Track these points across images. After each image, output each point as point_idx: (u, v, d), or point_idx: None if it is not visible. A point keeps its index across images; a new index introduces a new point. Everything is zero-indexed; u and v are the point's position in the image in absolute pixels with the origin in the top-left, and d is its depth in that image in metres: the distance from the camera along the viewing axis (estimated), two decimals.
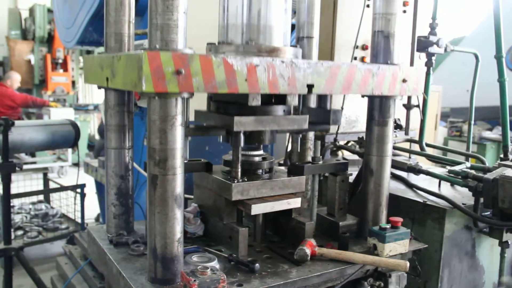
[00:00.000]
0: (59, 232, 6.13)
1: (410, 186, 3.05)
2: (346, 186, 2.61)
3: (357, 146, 3.36)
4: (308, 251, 2.22)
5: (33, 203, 6.90)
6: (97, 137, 11.22)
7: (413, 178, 3.21)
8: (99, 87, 2.36)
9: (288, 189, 2.38)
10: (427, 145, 3.40)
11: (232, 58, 1.85)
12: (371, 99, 2.52)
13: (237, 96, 2.04)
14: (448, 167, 3.13)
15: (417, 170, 2.96)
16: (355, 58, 3.36)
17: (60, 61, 11.04)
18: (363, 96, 2.45)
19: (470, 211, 2.67)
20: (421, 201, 2.78)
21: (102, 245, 2.32)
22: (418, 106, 3.02)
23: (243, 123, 2.13)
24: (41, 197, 7.04)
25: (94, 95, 12.49)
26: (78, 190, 5.97)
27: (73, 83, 11.53)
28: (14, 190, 6.48)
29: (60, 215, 6.55)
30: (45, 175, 7.11)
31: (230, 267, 2.13)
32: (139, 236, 2.38)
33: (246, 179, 2.25)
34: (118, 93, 2.35)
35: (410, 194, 2.94)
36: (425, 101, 3.21)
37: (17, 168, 3.95)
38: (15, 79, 10.01)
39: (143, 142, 4.28)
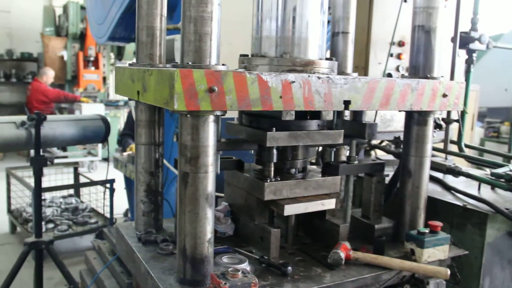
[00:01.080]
0: (88, 227, 6.19)
1: (448, 188, 2.92)
2: (382, 187, 2.50)
3: (393, 146, 3.24)
4: (342, 254, 2.13)
5: (64, 197, 6.99)
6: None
7: (449, 180, 3.07)
8: (129, 99, 2.33)
9: (322, 190, 2.29)
10: (466, 146, 3.25)
11: (266, 75, 1.79)
12: None
13: (270, 111, 1.98)
14: (489, 170, 2.99)
15: (456, 172, 2.83)
16: (391, 55, 3.24)
17: (92, 58, 11.18)
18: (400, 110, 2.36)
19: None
20: (461, 204, 2.65)
21: (131, 243, 2.28)
22: (458, 121, 2.88)
23: (276, 139, 2.06)
24: (71, 191, 7.12)
25: None
26: (108, 185, 6.02)
27: (104, 79, 11.65)
28: (45, 183, 6.60)
29: (89, 209, 6.62)
30: (75, 169, 7.18)
31: (261, 269, 2.06)
32: (168, 234, 2.33)
33: (279, 179, 2.18)
34: None
35: (448, 197, 2.81)
36: (463, 113, 3.08)
37: (48, 163, 3.98)
38: (49, 75, 10.21)
39: (173, 138, 4.26)
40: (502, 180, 2.64)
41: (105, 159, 11.22)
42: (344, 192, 2.50)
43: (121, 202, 6.68)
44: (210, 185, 1.81)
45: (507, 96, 3.26)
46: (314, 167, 2.77)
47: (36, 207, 4.10)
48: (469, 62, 3.08)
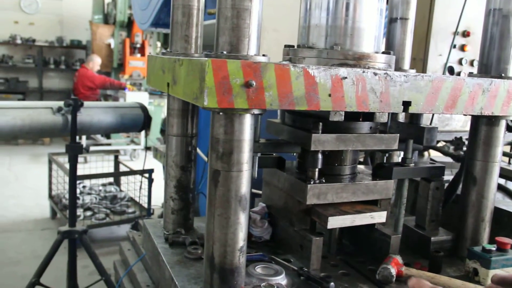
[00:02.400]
0: (126, 216, 6.13)
1: None
2: (441, 194, 2.19)
3: (451, 148, 2.90)
4: (393, 271, 1.85)
5: (104, 185, 6.98)
6: None
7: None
8: (162, 92, 2.13)
9: (372, 195, 2.01)
10: None
11: (314, 69, 1.52)
12: None
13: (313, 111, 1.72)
14: None
15: None
16: (454, 46, 2.91)
17: (138, 45, 11.19)
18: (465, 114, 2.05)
19: None
20: None
21: (157, 243, 2.09)
22: None
23: (322, 142, 1.79)
24: (111, 179, 7.10)
25: None
26: (146, 174, 5.92)
27: None
28: (86, 170, 6.60)
29: (128, 198, 6.56)
30: (116, 157, 7.14)
31: (299, 283, 1.81)
32: (198, 236, 2.12)
33: (323, 180, 1.92)
34: None
35: None
36: None
37: (84, 150, 3.87)
38: (96, 62, 10.28)
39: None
40: None
41: (148, 148, 11.29)
42: (396, 198, 2.22)
43: (160, 193, 6.58)
44: (244, 185, 1.57)
45: None
46: (362, 167, 2.49)
47: (71, 195, 4.00)
48: None
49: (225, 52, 1.49)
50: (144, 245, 2.32)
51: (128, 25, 11.25)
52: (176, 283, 1.73)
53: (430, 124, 2.77)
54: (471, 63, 3.02)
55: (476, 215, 2.10)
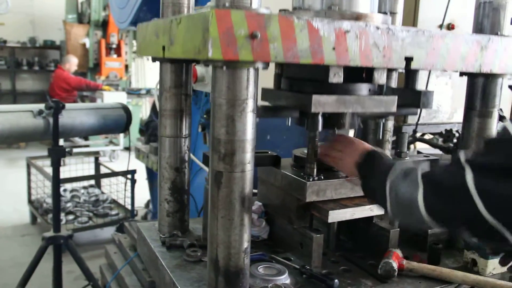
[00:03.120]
0: (109, 218, 6.02)
1: None
2: None
3: (440, 140, 2.93)
4: (395, 265, 1.85)
5: (85, 188, 6.85)
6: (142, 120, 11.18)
7: None
8: (154, 60, 2.07)
9: None
10: None
11: (318, 21, 1.48)
12: (472, 83, 2.10)
13: (313, 72, 1.71)
14: None
15: None
16: None
17: (114, 46, 10.99)
18: (464, 75, 2.05)
19: None
20: None
21: (154, 247, 2.05)
22: None
23: (322, 104, 1.73)
24: (92, 181, 6.97)
25: (147, 79, 12.42)
26: (129, 176, 5.83)
27: (126, 67, 11.48)
28: (66, 173, 6.45)
29: (110, 200, 6.45)
30: (96, 159, 7.02)
31: (302, 281, 1.79)
32: (195, 238, 2.08)
33: (322, 177, 1.90)
34: (174, 74, 2.05)
35: None
36: None
37: (67, 153, 3.78)
38: (73, 63, 10.08)
39: (198, 129, 4.01)
40: None
41: (127, 149, 11.11)
42: None
43: (143, 194, 6.50)
44: (247, 186, 1.55)
45: None
46: None
47: (55, 200, 3.90)
48: None
49: (227, 4, 1.45)
50: (139, 249, 2.27)
51: (103, 24, 11.03)
52: (179, 287, 1.70)
53: (418, 120, 2.78)
54: None
55: None
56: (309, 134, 1.91)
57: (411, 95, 2.07)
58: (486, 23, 2.02)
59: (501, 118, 2.18)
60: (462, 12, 2.87)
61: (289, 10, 1.88)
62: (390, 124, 2.52)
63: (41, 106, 3.61)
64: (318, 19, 1.50)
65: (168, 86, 2.05)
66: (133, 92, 10.64)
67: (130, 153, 5.30)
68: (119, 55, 11.13)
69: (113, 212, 6.12)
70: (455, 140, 2.62)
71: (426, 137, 3.31)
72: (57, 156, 3.75)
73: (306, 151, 2.10)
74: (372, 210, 1.95)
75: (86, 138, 9.96)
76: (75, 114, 3.92)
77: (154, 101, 6.65)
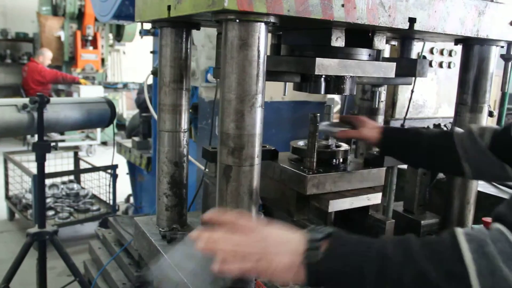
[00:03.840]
0: (91, 214, 5.98)
1: None
2: (428, 179, 2.28)
3: None
4: None
5: (64, 183, 6.75)
6: (125, 115, 11.05)
7: None
8: (154, 24, 2.04)
9: (367, 183, 2.06)
10: None
11: None
12: (463, 79, 2.17)
13: (315, 37, 1.79)
14: None
15: None
16: None
17: (90, 38, 10.83)
18: (459, 43, 2.13)
19: None
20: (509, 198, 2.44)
21: (154, 241, 2.06)
22: None
23: (325, 67, 1.76)
24: (71, 176, 6.87)
25: (123, 73, 12.29)
26: (110, 170, 5.78)
27: (102, 60, 11.32)
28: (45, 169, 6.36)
29: (91, 195, 6.39)
30: (75, 154, 6.93)
31: None
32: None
33: (321, 170, 1.95)
34: (174, 69, 2.05)
35: (491, 190, 2.60)
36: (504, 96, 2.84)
37: (52, 148, 3.73)
38: (47, 56, 9.88)
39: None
40: None
41: (104, 143, 11.00)
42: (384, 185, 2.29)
43: (124, 188, 6.46)
44: (255, 179, 1.58)
45: None
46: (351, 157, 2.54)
47: (40, 196, 3.86)
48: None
49: None
50: (137, 244, 2.27)
51: (79, 16, 10.84)
52: (185, 280, 1.72)
53: (406, 114, 2.85)
54: (441, 52, 3.14)
55: (461, 198, 2.20)
56: (309, 129, 1.95)
57: (406, 64, 2.13)
58: None
59: (490, 113, 2.26)
60: None
61: None
62: (380, 119, 2.60)
63: (26, 100, 3.55)
64: None
65: (168, 81, 2.05)
66: (109, 86, 10.52)
67: (114, 148, 5.27)
68: (95, 47, 10.97)
69: (94, 207, 6.07)
70: None
71: None
72: (42, 150, 3.71)
73: (301, 143, 2.14)
74: (369, 200, 2.02)
75: (62, 133, 9.80)
76: (59, 108, 3.88)
77: (140, 98, 6.56)
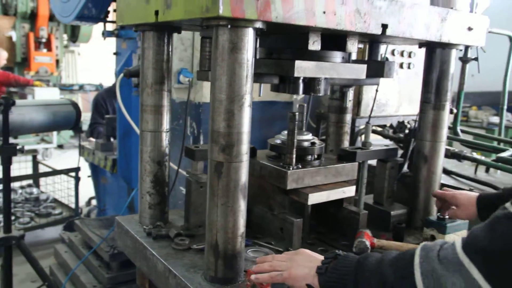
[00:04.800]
0: (53, 218, 5.86)
1: (448, 173, 2.92)
2: (396, 173, 2.45)
3: (390, 131, 3.20)
4: (368, 243, 2.05)
5: (22, 187, 6.59)
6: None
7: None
8: (137, 28, 2.09)
9: (341, 177, 2.20)
10: (461, 130, 3.27)
11: None
12: (427, 79, 2.35)
13: (292, 41, 1.89)
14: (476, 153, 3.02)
15: (461, 157, 2.82)
16: None
17: (44, 40, 10.52)
18: (422, 46, 2.28)
19: None
20: (467, 189, 2.64)
21: (140, 238, 2.11)
22: (476, 59, 2.84)
23: (303, 69, 1.88)
24: (29, 180, 6.71)
25: (78, 75, 12.03)
26: (72, 173, 5.70)
27: (57, 62, 11.04)
28: None
29: (51, 199, 6.26)
30: (34, 157, 6.78)
31: None
32: (179, 228, 2.17)
33: (300, 166, 2.07)
34: (156, 71, 2.11)
35: (451, 181, 2.80)
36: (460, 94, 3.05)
37: (19, 151, 3.67)
38: (2, 56, 9.52)
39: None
40: (509, 164, 2.65)
41: (60, 146, 10.73)
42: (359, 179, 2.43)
43: (86, 191, 6.37)
44: (244, 175, 1.67)
45: (473, 82, 3.33)
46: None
47: (5, 200, 3.79)
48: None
49: None
50: (120, 242, 2.31)
51: (31, 17, 10.53)
52: (176, 273, 1.79)
53: (371, 112, 3.02)
54: (402, 54, 3.33)
55: (427, 189, 2.38)
56: (288, 127, 2.06)
57: (374, 66, 2.28)
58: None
59: (451, 110, 2.45)
60: None
61: None
62: (348, 117, 2.74)
63: None
64: None
65: (150, 82, 2.11)
66: (65, 88, 10.29)
67: (80, 150, 5.22)
68: (49, 49, 10.69)
69: (56, 211, 5.96)
70: (406, 131, 2.88)
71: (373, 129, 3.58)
72: (7, 154, 3.65)
73: (278, 141, 2.24)
74: (344, 192, 2.15)
75: (15, 137, 9.50)
76: (24, 111, 3.84)
77: (96, 100, 6.48)
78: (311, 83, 2.08)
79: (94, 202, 6.20)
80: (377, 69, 2.28)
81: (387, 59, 3.15)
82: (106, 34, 4.91)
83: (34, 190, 6.47)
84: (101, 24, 5.02)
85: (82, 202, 6.48)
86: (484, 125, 6.31)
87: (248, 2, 1.49)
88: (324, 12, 1.68)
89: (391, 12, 1.90)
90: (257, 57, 2.11)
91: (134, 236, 2.15)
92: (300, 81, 2.00)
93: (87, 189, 6.07)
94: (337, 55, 2.07)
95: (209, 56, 1.79)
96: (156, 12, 1.83)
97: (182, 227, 2.20)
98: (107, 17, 4.89)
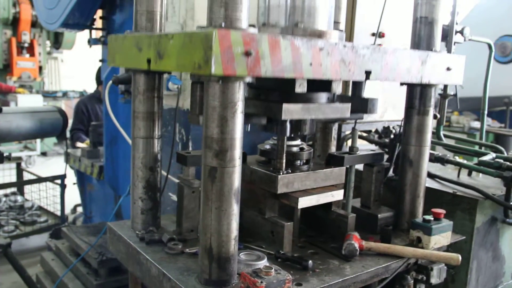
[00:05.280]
0: (38, 226, 5.82)
1: (432, 176, 2.99)
2: (382, 177, 2.51)
3: (376, 136, 3.27)
4: (356, 245, 2.11)
5: (6, 195, 6.52)
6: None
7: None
8: (128, 70, 2.16)
9: (329, 181, 2.26)
10: (444, 135, 3.35)
11: (298, 40, 1.70)
12: (411, 87, 2.43)
13: (279, 83, 1.90)
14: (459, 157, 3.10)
15: (445, 161, 2.90)
16: None
17: (26, 45, 10.45)
18: (403, 84, 2.36)
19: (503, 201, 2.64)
20: (451, 191, 2.73)
21: (133, 244, 2.14)
22: (455, 95, 2.95)
23: (290, 111, 1.97)
24: (13, 188, 6.64)
25: (62, 81, 11.95)
26: (58, 181, 5.67)
27: (40, 68, 10.95)
28: None
29: (36, 207, 6.22)
30: (18, 165, 6.72)
31: (279, 264, 1.98)
32: (171, 233, 2.20)
33: (290, 171, 2.12)
34: (148, 78, 2.15)
35: (435, 185, 2.88)
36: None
37: (5, 159, 3.67)
38: None
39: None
40: (491, 167, 2.73)
41: (44, 154, 10.64)
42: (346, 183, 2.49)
43: (68, 198, 6.33)
44: (237, 179, 1.72)
45: (453, 86, 3.45)
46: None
47: None
48: None
49: (223, 24, 1.60)
50: (112, 248, 2.33)
51: (13, 22, 10.44)
52: (170, 276, 1.82)
53: (356, 120, 3.07)
54: None
55: (413, 192, 2.45)
56: (278, 134, 2.11)
57: (358, 102, 2.36)
58: (422, 34, 2.35)
59: (435, 116, 2.53)
60: (390, 22, 3.23)
61: (254, 26, 2.08)
62: (336, 125, 2.80)
63: None
64: (299, 38, 1.71)
65: (142, 89, 2.15)
66: (49, 95, 10.22)
67: (67, 158, 5.19)
68: (32, 54, 10.60)
69: (42, 219, 5.91)
70: (391, 136, 2.95)
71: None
72: None
73: (268, 147, 2.29)
74: (333, 196, 2.21)
75: None
76: (11, 118, 3.83)
77: (78, 107, 6.46)
78: (297, 125, 2.16)
79: (79, 209, 6.17)
80: (361, 106, 2.36)
81: None
82: (92, 41, 4.91)
83: (19, 198, 6.41)
84: (85, 31, 5.04)
85: (67, 209, 6.44)
86: (465, 130, 6.45)
87: (239, 60, 1.56)
88: (311, 64, 1.76)
89: (374, 59, 1.98)
90: (245, 95, 2.18)
91: (127, 241, 2.17)
92: (287, 123, 2.06)
93: (72, 196, 6.05)
94: (323, 96, 2.16)
95: (200, 100, 1.86)
96: (149, 60, 1.89)
97: (174, 232, 2.24)
98: (93, 24, 4.91)
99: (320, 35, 2.04)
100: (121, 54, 2.15)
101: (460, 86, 2.62)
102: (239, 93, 1.65)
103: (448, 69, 2.31)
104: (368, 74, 1.96)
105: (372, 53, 1.96)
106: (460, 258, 2.12)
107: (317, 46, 1.75)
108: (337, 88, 2.16)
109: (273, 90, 2.10)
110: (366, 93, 2.41)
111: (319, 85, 2.13)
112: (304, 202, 2.10)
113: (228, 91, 1.63)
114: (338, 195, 2.23)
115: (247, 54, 1.56)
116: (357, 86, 2.39)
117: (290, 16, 2.05)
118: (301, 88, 1.93)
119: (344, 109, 2.21)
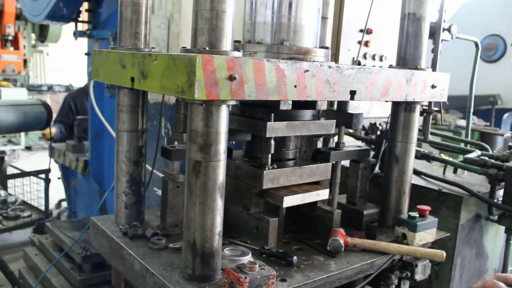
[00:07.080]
0: (21, 220, 5.73)
1: (418, 173, 3.00)
2: (368, 173, 2.51)
3: (362, 133, 3.27)
4: (341, 241, 2.10)
5: None
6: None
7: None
8: (111, 87, 2.13)
9: (315, 177, 2.25)
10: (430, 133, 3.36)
11: (283, 63, 1.70)
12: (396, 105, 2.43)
13: (264, 100, 1.91)
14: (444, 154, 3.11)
15: (431, 158, 2.91)
16: (359, 43, 3.26)
17: (10, 38, 10.30)
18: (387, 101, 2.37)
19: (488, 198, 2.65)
20: (436, 188, 2.73)
21: (116, 238, 2.10)
22: (439, 111, 2.97)
23: (275, 129, 2.00)
24: None
25: (47, 75, 11.80)
26: (42, 175, 5.59)
27: (25, 62, 10.81)
28: None
29: (20, 202, 6.13)
30: (1, 159, 6.61)
31: (264, 260, 1.97)
32: (155, 227, 2.18)
33: (275, 166, 2.10)
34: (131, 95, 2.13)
35: (421, 182, 2.89)
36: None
37: None
38: None
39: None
40: (476, 165, 2.75)
41: (28, 148, 10.51)
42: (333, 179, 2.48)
43: (56, 193, 6.26)
44: (221, 174, 1.70)
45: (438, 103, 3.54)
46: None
47: None
48: (436, 53, 3.15)
49: (207, 48, 1.59)
50: (95, 243, 2.30)
51: None
52: (154, 272, 1.80)
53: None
54: (373, 57, 3.41)
55: (398, 189, 2.45)
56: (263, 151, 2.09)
57: (343, 117, 2.36)
58: (410, 31, 2.34)
59: (421, 113, 2.53)
60: (378, 19, 3.22)
61: (240, 42, 2.08)
62: (321, 119, 2.79)
63: None
64: (283, 61, 1.71)
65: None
66: (33, 89, 10.09)
67: (51, 152, 5.13)
68: (16, 47, 10.46)
69: (25, 214, 5.83)
70: (378, 133, 2.95)
71: None
72: None
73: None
74: (318, 195, 2.20)
75: None
76: None
77: (65, 100, 6.38)
78: (282, 141, 2.18)
79: (64, 204, 6.10)
80: (346, 121, 2.37)
81: (359, 62, 3.24)
82: (77, 34, 4.85)
83: (2, 192, 6.31)
84: (71, 24, 4.97)
85: (51, 204, 6.37)
86: (451, 128, 6.49)
87: (223, 85, 1.55)
88: (295, 86, 1.76)
89: (359, 79, 1.99)
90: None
91: (110, 236, 2.14)
92: (272, 140, 2.05)
93: (57, 191, 5.97)
94: (307, 113, 2.17)
95: (184, 118, 1.85)
96: (132, 79, 1.87)
97: (158, 227, 2.21)
98: (79, 17, 4.85)
99: (306, 52, 2.06)
100: (105, 69, 2.13)
101: (446, 103, 2.63)
102: (222, 117, 1.65)
103: (433, 86, 2.33)
104: (353, 93, 1.97)
105: (357, 73, 1.97)
106: (444, 254, 2.12)
107: (301, 68, 1.77)
108: (322, 106, 2.18)
109: (258, 106, 2.10)
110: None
111: (304, 102, 2.12)
112: (289, 201, 2.09)
113: (212, 112, 1.63)
114: (324, 194, 2.22)
115: (231, 78, 1.56)
116: (342, 101, 2.39)
117: (276, 34, 2.07)
118: (286, 106, 1.95)
119: (329, 126, 2.25)
